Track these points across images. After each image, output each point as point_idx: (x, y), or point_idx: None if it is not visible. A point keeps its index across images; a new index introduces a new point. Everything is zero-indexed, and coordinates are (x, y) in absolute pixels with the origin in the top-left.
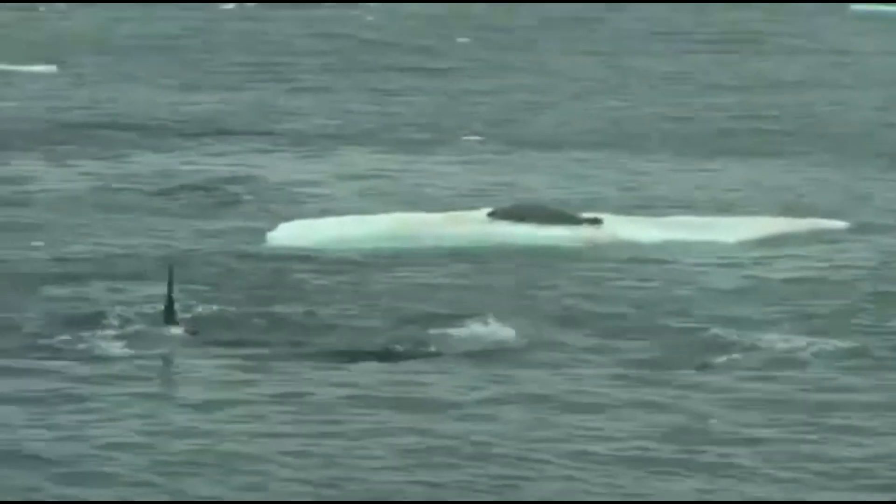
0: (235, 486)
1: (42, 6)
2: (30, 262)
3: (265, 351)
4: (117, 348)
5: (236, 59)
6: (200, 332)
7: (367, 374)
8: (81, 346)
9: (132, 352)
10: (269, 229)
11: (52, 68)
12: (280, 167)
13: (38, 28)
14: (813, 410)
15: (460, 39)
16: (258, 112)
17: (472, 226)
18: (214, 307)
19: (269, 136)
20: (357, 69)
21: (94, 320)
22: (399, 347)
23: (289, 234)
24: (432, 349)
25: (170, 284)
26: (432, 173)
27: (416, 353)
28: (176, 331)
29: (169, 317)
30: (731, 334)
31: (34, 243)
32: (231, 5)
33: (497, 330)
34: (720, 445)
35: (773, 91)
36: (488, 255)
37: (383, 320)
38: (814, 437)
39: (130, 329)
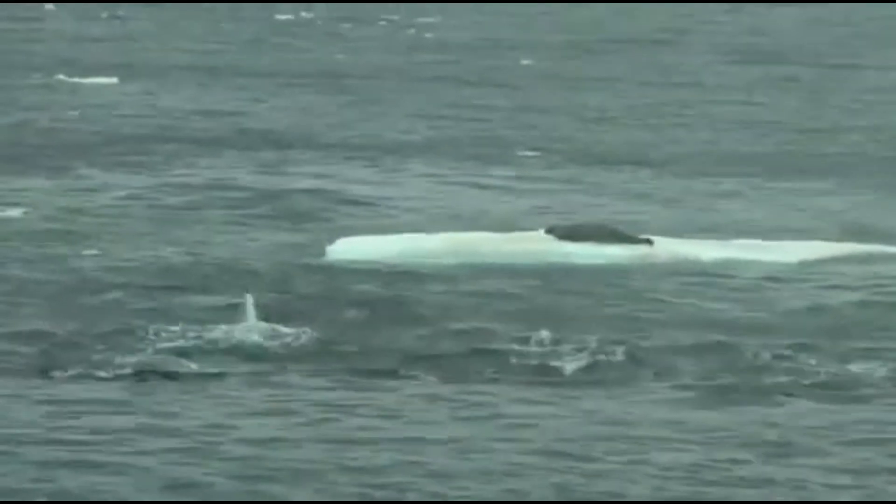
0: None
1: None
2: (94, 270)
3: (353, 367)
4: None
5: (297, 70)
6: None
7: (430, 387)
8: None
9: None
10: (328, 243)
11: (114, 80)
12: (338, 180)
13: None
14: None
15: (524, 62)
16: (316, 124)
17: (529, 244)
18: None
19: (327, 149)
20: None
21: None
22: (463, 364)
23: (347, 248)
24: (497, 367)
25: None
26: (489, 189)
27: (482, 371)
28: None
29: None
30: (804, 357)
31: (88, 252)
32: (289, 15)
33: (558, 348)
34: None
35: (833, 110)
36: (547, 273)
37: (443, 338)
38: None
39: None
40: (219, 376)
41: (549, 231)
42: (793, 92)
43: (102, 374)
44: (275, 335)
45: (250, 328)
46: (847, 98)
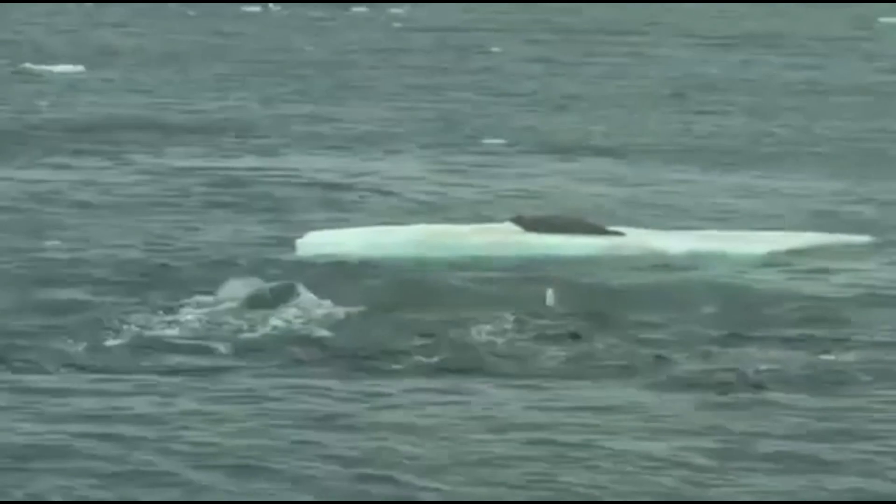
0: None
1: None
2: (59, 262)
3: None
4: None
5: (264, 60)
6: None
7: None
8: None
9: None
10: (298, 237)
11: (80, 68)
12: (305, 170)
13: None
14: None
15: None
16: (282, 113)
17: (497, 236)
18: None
19: (293, 139)
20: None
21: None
22: (439, 357)
23: (317, 241)
24: (472, 360)
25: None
26: (455, 179)
27: (457, 363)
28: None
29: None
30: (777, 348)
31: (51, 243)
32: (257, 7)
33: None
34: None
35: (794, 98)
36: (517, 265)
37: (416, 331)
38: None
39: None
40: (173, 372)
41: (516, 221)
42: (763, 81)
43: (55, 366)
44: (238, 330)
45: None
46: (817, 86)
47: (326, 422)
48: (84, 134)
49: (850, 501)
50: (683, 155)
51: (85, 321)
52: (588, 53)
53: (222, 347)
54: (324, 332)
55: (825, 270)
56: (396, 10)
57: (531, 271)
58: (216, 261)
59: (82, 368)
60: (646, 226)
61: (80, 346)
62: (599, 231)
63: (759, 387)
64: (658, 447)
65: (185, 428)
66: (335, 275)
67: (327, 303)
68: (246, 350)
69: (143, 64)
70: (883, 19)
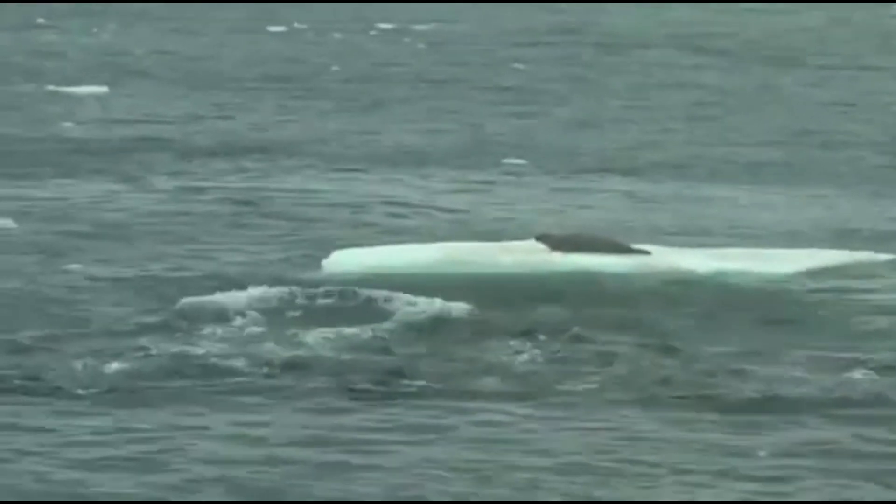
0: None
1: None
2: (80, 282)
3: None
4: None
5: (287, 78)
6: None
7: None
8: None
9: None
10: (324, 256)
11: (104, 89)
12: (328, 189)
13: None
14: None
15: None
16: (305, 132)
17: (523, 255)
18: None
19: (316, 158)
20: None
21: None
22: (465, 378)
23: (343, 261)
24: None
25: None
26: (477, 197)
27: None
28: None
29: None
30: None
31: (73, 265)
32: (282, 27)
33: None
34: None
35: (817, 113)
36: (542, 283)
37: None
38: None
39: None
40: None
41: (541, 239)
42: (784, 96)
43: (78, 389)
44: (272, 353)
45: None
46: (837, 101)
47: (349, 446)
48: (107, 154)
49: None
50: (705, 171)
51: (106, 342)
52: (611, 69)
53: (245, 368)
54: (348, 356)
55: (849, 289)
56: (422, 27)
57: (557, 290)
58: (240, 280)
59: (109, 390)
60: (670, 244)
61: (102, 368)
62: (625, 250)
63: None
64: (694, 466)
65: (208, 450)
66: (360, 295)
67: (354, 324)
68: (271, 372)
69: (167, 83)
70: None
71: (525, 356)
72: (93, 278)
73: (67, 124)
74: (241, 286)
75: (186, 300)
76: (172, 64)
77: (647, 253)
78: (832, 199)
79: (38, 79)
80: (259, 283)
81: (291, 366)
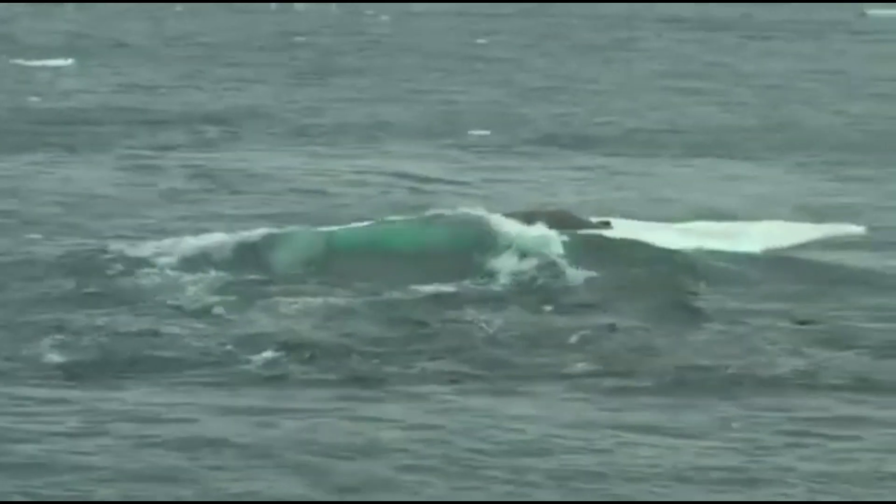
0: None
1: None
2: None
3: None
4: None
5: (252, 55)
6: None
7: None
8: None
9: None
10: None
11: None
12: (286, 164)
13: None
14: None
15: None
16: (265, 105)
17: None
18: None
19: (276, 131)
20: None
21: None
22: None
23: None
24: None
25: None
26: (440, 170)
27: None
28: None
29: None
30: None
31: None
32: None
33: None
34: None
35: (783, 91)
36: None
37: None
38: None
39: None
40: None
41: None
42: (751, 72)
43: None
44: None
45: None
46: (804, 78)
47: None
48: (72, 126)
49: (844, 502)
50: (670, 145)
51: (44, 314)
52: (579, 42)
53: (190, 344)
54: (303, 326)
55: (818, 262)
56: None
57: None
58: (196, 257)
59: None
60: (636, 218)
61: (52, 343)
62: (586, 224)
63: None
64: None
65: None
66: (312, 270)
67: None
68: (216, 348)
69: (131, 57)
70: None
71: (479, 333)
72: (48, 252)
73: (32, 98)
74: (198, 262)
75: (128, 271)
76: (137, 38)
77: (608, 225)
78: (793, 173)
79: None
80: (218, 257)
81: (244, 342)
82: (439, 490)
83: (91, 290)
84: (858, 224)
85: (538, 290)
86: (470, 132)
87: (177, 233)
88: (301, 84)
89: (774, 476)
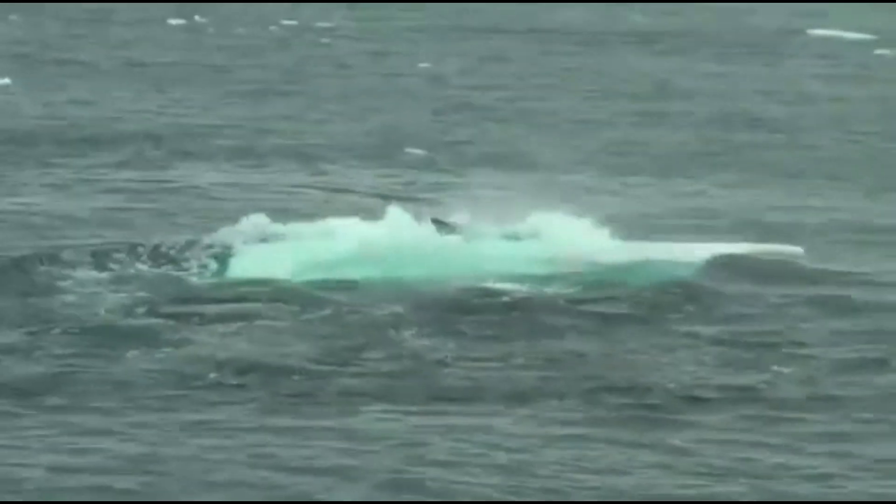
0: None
1: None
2: None
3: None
4: None
5: (183, 70)
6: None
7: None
8: None
9: None
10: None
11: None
12: (215, 182)
13: None
14: None
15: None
16: (197, 124)
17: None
18: None
19: (206, 151)
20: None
21: None
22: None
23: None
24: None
25: None
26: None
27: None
28: None
29: None
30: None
31: None
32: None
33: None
34: None
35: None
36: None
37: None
38: None
39: None
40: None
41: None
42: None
43: None
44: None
45: None
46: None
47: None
48: (7, 146)
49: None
50: (618, 164)
51: None
52: (531, 61)
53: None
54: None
55: (758, 281)
56: (325, 24)
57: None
58: (127, 276)
59: None
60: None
61: None
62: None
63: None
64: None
65: None
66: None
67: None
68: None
69: (69, 76)
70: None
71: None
72: None
73: None
74: (122, 277)
75: (55, 290)
76: (74, 56)
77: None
78: (740, 190)
79: None
80: (146, 278)
81: (190, 360)
82: None
83: (14, 308)
84: (798, 244)
85: None
86: (406, 150)
87: (108, 253)
88: (240, 103)
89: None
